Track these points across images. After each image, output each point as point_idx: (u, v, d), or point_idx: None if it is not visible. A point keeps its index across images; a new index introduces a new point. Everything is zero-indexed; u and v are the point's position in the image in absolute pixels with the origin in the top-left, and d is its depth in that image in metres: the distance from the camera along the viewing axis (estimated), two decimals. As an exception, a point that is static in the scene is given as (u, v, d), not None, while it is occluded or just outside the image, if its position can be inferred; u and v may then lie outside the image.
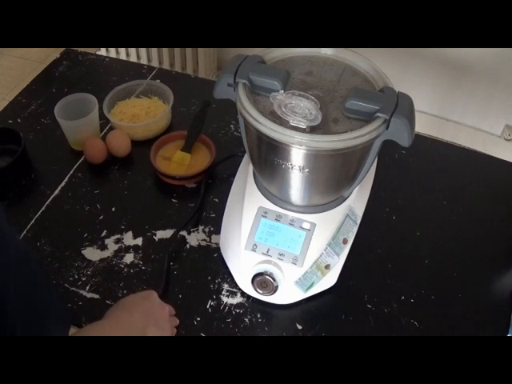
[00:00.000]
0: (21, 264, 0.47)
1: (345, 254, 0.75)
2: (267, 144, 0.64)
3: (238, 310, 0.74)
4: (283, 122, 0.62)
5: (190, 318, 0.73)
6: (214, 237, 0.83)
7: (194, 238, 0.83)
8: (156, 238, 0.82)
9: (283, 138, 0.61)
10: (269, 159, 0.67)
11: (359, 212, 0.77)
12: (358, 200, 0.77)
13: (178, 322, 0.71)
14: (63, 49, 1.22)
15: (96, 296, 0.75)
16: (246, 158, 0.83)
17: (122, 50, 2.08)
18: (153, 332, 0.62)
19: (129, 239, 0.82)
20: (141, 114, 1.00)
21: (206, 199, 0.88)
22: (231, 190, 0.82)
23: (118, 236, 0.83)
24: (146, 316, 0.64)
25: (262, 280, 0.71)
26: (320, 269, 0.73)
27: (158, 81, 1.07)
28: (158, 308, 0.66)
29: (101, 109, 0.97)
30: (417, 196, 0.90)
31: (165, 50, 2.00)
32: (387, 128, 0.62)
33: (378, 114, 0.61)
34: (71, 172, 0.93)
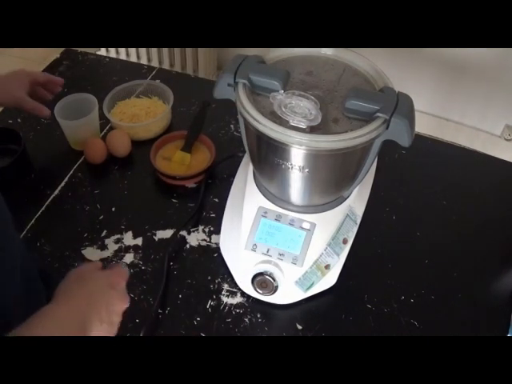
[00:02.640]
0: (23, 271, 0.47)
1: (345, 254, 0.75)
2: (267, 144, 0.64)
3: (237, 310, 0.74)
4: (283, 122, 0.62)
5: (190, 318, 0.73)
6: (214, 237, 0.83)
7: (194, 238, 0.83)
8: (156, 238, 0.82)
9: (283, 137, 0.61)
10: (269, 159, 0.67)
11: (359, 212, 0.77)
12: (357, 200, 0.77)
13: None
14: (63, 49, 1.22)
15: (96, 296, 0.75)
16: (246, 158, 0.83)
17: (122, 50, 2.08)
18: (98, 331, 0.54)
19: (129, 239, 0.82)
20: (141, 114, 1.00)
21: (205, 199, 0.88)
22: (231, 190, 0.82)
23: (118, 236, 0.83)
24: (102, 312, 0.55)
25: (262, 280, 0.71)
26: (320, 269, 0.73)
27: (158, 81, 1.07)
28: (119, 301, 0.59)
29: (101, 109, 0.97)
30: (417, 196, 0.90)
31: (165, 50, 2.00)
32: (387, 128, 0.62)
33: (378, 114, 0.61)
34: (71, 172, 0.93)
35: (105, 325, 0.54)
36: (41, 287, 0.67)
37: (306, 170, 0.65)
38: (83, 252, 0.80)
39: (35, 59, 2.30)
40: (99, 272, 0.60)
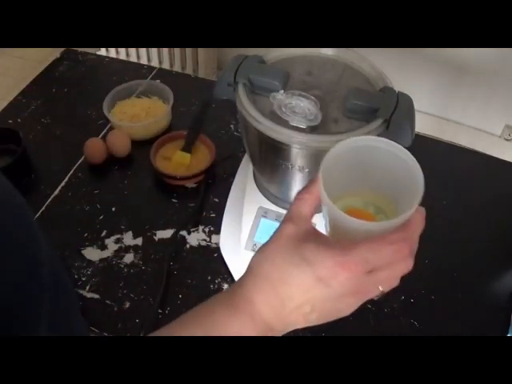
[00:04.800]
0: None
1: (345, 253, 0.74)
2: (267, 144, 0.64)
3: (237, 310, 0.74)
4: (283, 122, 0.62)
5: (189, 318, 0.73)
6: (214, 237, 0.83)
7: (194, 238, 0.83)
8: (156, 238, 0.82)
9: (283, 138, 0.61)
10: (269, 159, 0.67)
11: (359, 212, 0.77)
12: (358, 200, 0.77)
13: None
14: (63, 49, 1.22)
15: (96, 296, 0.75)
16: (246, 158, 0.83)
17: (122, 50, 2.08)
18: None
19: (129, 239, 0.82)
20: (141, 114, 1.00)
21: (205, 199, 0.88)
22: (231, 190, 0.82)
23: (118, 236, 0.83)
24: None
25: (262, 280, 0.71)
26: (320, 269, 0.73)
27: (158, 81, 1.07)
28: (340, 298, 0.39)
29: (101, 109, 0.98)
30: (417, 196, 0.90)
31: (165, 50, 2.00)
32: (387, 128, 0.62)
33: (378, 114, 0.61)
34: (71, 172, 0.93)
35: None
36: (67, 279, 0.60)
37: (306, 170, 0.65)
38: (83, 252, 0.81)
39: (35, 59, 2.30)
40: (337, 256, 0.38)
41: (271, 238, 0.43)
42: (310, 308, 0.40)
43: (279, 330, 0.42)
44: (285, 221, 0.43)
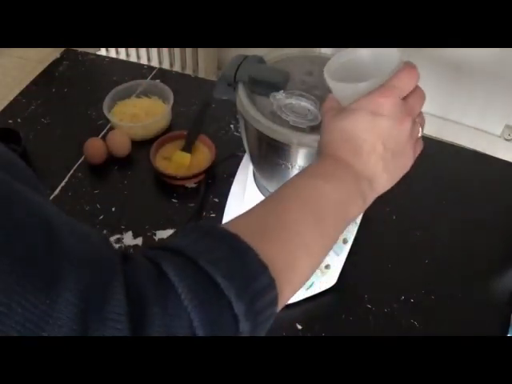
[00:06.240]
0: None
1: (345, 253, 0.74)
2: (267, 144, 0.64)
3: (237, 310, 0.74)
4: (283, 122, 0.62)
5: (189, 318, 0.73)
6: (214, 237, 0.83)
7: (194, 238, 0.83)
8: (156, 238, 0.82)
9: (283, 138, 0.61)
10: (269, 159, 0.67)
11: (359, 212, 0.77)
12: (358, 200, 0.77)
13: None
14: (63, 49, 1.22)
15: (96, 296, 0.75)
16: (246, 158, 0.83)
17: (122, 50, 2.08)
18: (386, 178, 0.50)
19: (129, 239, 0.82)
20: (141, 114, 1.00)
21: (205, 199, 0.88)
22: (231, 190, 0.82)
23: (118, 236, 0.83)
24: (381, 150, 0.46)
25: (262, 280, 0.71)
26: (320, 268, 0.73)
27: (158, 81, 1.07)
28: (397, 126, 0.45)
29: (101, 109, 0.98)
30: (417, 196, 0.90)
31: (165, 50, 2.00)
32: (387, 128, 0.62)
33: (378, 114, 0.61)
34: (71, 172, 0.93)
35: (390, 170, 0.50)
36: None
37: (306, 170, 0.65)
38: (83, 252, 0.80)
39: (35, 59, 2.30)
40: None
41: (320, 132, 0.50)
42: (382, 146, 0.46)
43: (365, 177, 0.48)
44: (323, 112, 0.50)
